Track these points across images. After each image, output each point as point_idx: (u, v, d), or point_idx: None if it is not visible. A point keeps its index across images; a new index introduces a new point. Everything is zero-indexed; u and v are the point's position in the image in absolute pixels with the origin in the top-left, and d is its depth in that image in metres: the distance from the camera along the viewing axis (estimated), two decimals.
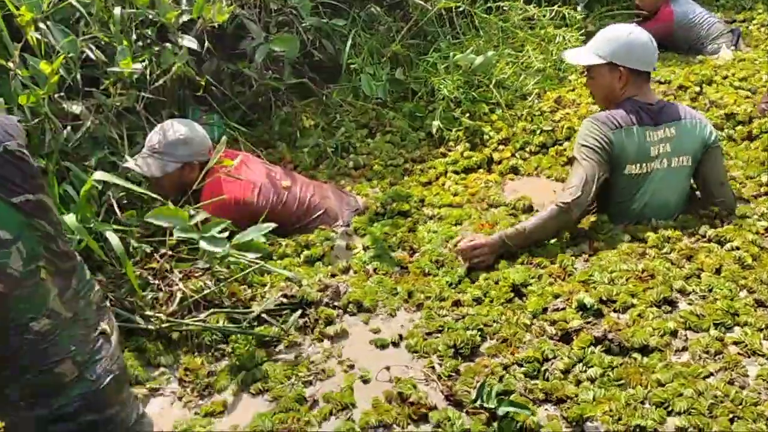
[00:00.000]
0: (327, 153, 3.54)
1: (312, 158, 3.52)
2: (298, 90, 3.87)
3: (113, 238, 2.27)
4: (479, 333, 2.19)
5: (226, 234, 2.25)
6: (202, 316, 2.30)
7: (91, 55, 2.74)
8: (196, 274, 2.47)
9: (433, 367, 2.09)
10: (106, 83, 2.80)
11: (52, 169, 2.47)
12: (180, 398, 2.07)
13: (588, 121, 2.67)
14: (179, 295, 2.33)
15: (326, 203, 3.00)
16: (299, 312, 2.32)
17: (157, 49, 2.92)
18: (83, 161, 2.71)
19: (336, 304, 2.38)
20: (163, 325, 2.22)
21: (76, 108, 2.62)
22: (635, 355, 2.04)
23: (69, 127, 2.63)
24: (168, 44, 2.94)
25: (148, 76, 2.87)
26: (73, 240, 2.22)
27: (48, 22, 2.58)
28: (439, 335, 2.22)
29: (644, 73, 2.72)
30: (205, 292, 2.36)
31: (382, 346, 2.21)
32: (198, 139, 2.77)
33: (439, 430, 1.87)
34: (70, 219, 2.27)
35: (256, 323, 2.29)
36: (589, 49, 2.78)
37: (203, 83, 3.11)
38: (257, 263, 2.37)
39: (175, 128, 2.73)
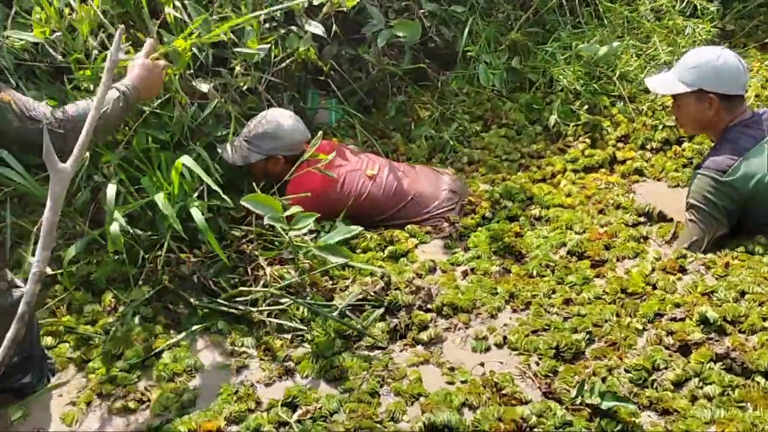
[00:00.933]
0: (440, 146, 3.50)
1: (425, 151, 3.49)
2: (413, 77, 3.86)
3: (197, 214, 2.35)
4: (587, 335, 2.14)
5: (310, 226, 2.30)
6: (283, 304, 2.34)
7: (221, 35, 2.83)
8: (281, 263, 2.53)
9: (529, 365, 2.07)
10: (233, 63, 2.90)
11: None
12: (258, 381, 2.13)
13: (701, 177, 2.51)
14: (263, 280, 2.40)
15: (416, 187, 2.93)
16: (381, 310, 2.30)
17: (283, 32, 2.98)
18: (206, 138, 2.82)
19: (429, 306, 2.32)
20: (250, 309, 2.30)
21: (204, 86, 2.72)
22: (759, 378, 1.93)
23: (196, 105, 2.73)
24: (294, 27, 2.99)
25: (272, 59, 2.94)
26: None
27: (185, 0, 2.68)
28: (544, 333, 2.18)
29: (737, 97, 2.54)
30: (288, 281, 2.39)
31: (485, 349, 2.17)
32: (287, 134, 2.81)
33: (540, 419, 1.84)
34: (159, 197, 2.38)
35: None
36: (675, 75, 2.60)
37: (326, 68, 3.16)
38: (342, 259, 2.37)
39: (268, 120, 2.79)
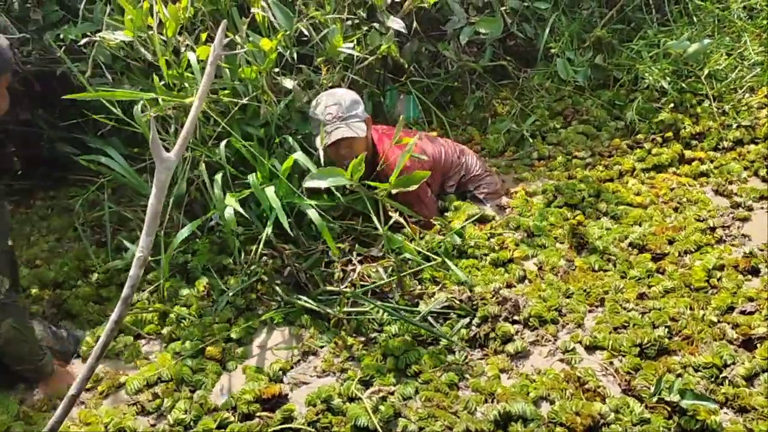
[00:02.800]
0: (515, 139, 3.49)
1: (501, 144, 3.49)
2: (491, 74, 3.86)
3: (313, 214, 2.41)
4: (666, 330, 2.12)
5: None
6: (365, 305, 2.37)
7: (306, 33, 2.91)
8: (373, 260, 2.56)
9: (611, 362, 2.06)
10: (317, 61, 2.96)
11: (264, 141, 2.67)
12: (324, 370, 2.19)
13: None
14: (351, 276, 2.44)
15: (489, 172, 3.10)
16: (467, 320, 2.29)
17: (365, 29, 3.03)
18: (291, 135, 2.89)
19: (515, 318, 2.30)
20: (326, 310, 2.34)
21: (289, 83, 2.79)
22: None
23: (282, 102, 2.81)
24: (375, 24, 3.04)
25: (354, 56, 2.99)
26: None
27: (270, 0, 2.76)
28: (624, 330, 2.16)
29: None
30: (378, 283, 2.42)
31: (570, 361, 2.12)
32: (357, 96, 2.80)
33: (618, 415, 1.84)
34: (269, 192, 2.43)
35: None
36: None
37: (407, 65, 3.19)
38: (436, 258, 2.38)
39: (338, 93, 2.74)
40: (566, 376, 2.00)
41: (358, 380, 2.06)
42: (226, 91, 2.68)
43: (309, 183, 2.28)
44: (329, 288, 2.43)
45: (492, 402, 1.97)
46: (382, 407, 1.94)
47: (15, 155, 3.51)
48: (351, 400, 2.01)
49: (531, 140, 3.48)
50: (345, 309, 2.35)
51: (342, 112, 2.68)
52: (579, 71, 3.63)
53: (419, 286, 2.47)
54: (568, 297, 2.37)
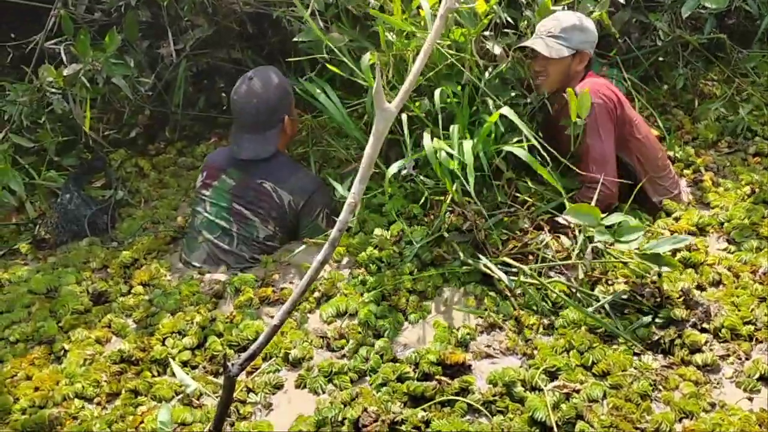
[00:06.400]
0: (730, 129, 3.23)
1: (714, 133, 3.23)
2: (703, 53, 3.58)
3: (521, 151, 2.41)
4: None
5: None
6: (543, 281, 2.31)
7: None
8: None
9: None
10: (521, 25, 2.90)
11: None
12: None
13: None
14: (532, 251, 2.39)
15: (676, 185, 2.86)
16: (649, 318, 2.17)
17: None
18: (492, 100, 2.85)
19: (705, 326, 2.15)
20: (517, 281, 2.30)
21: (497, 48, 2.74)
22: None
23: (489, 67, 2.76)
24: None
25: None
26: None
27: None
28: None
29: None
30: (558, 263, 2.36)
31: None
32: (592, 28, 2.72)
33: None
34: (467, 144, 2.42)
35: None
36: None
37: (616, 34, 3.04)
38: (667, 268, 2.22)
39: (570, 16, 2.70)
40: (759, 420, 1.82)
41: (544, 370, 2.01)
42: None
43: (568, 215, 2.27)
44: (506, 255, 2.40)
45: (680, 422, 1.86)
46: (564, 405, 1.89)
47: (223, 91, 3.76)
48: (533, 389, 1.97)
49: (747, 133, 3.21)
50: (521, 280, 2.30)
51: (554, 29, 2.66)
52: None
53: (600, 270, 2.37)
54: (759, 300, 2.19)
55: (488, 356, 2.13)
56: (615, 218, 2.23)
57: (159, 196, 3.28)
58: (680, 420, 1.87)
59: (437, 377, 2.02)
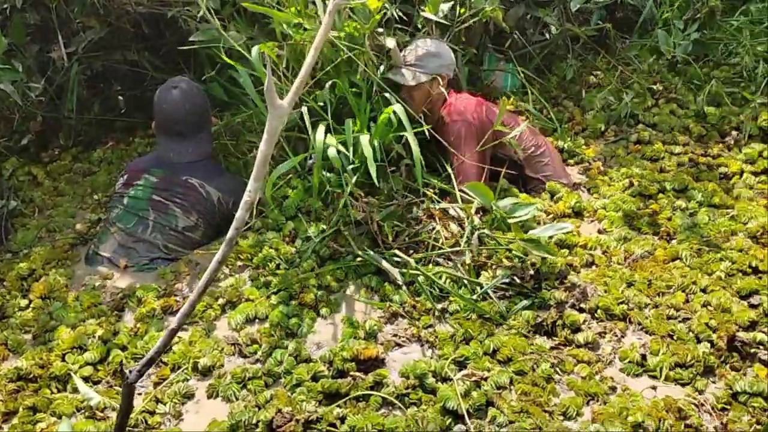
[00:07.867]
0: (614, 118, 3.36)
1: (601, 122, 3.34)
2: (591, 46, 3.74)
3: (414, 146, 2.47)
4: None
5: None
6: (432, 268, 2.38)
7: None
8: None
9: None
10: (417, 21, 2.94)
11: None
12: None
13: None
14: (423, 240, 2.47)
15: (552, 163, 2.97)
16: (528, 302, 2.26)
17: None
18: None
19: (582, 306, 2.25)
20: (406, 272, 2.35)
21: (390, 42, 2.78)
22: None
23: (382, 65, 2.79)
24: None
25: (455, 18, 2.96)
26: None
27: None
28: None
29: None
30: (447, 250, 2.43)
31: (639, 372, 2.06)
32: (447, 53, 2.84)
33: None
34: (364, 139, 2.46)
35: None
36: None
37: (509, 30, 3.13)
38: (547, 255, 2.32)
39: (427, 44, 2.83)
40: (666, 406, 1.90)
41: (453, 360, 2.07)
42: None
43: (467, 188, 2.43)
44: (397, 246, 2.45)
45: (589, 404, 1.94)
46: (474, 393, 1.94)
47: (119, 94, 3.64)
48: (444, 380, 2.02)
49: (629, 120, 3.34)
50: (410, 272, 2.36)
51: (411, 59, 2.78)
52: (683, 44, 3.46)
53: (485, 255, 2.44)
54: (627, 284, 2.33)
55: (398, 345, 2.17)
56: (507, 201, 2.40)
57: (54, 205, 3.15)
58: (588, 403, 1.95)
59: (351, 373, 2.05)
